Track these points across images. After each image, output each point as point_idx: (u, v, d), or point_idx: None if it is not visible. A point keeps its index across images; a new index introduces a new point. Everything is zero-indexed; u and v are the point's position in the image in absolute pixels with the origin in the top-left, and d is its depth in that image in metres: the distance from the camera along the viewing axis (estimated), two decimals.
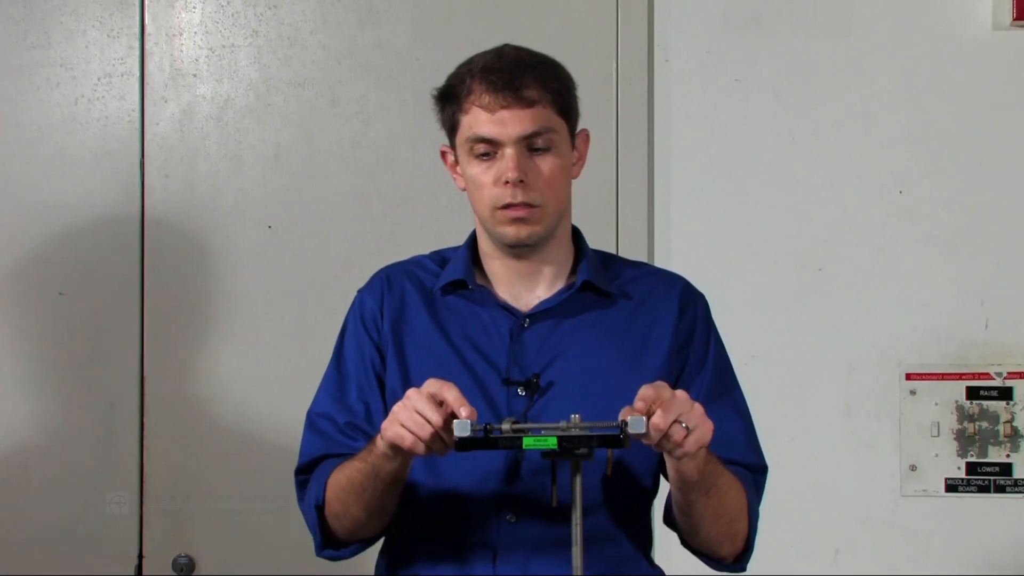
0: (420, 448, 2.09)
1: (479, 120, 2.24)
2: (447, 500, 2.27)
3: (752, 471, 2.33)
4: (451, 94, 2.28)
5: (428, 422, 2.08)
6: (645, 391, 2.06)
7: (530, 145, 2.24)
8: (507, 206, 2.24)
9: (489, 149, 2.25)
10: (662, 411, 2.04)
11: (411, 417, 2.09)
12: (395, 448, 2.12)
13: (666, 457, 2.14)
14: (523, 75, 2.24)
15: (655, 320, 2.33)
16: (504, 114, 2.23)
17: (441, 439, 2.09)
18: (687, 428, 2.05)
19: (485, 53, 2.30)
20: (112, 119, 3.45)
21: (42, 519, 3.40)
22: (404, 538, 2.33)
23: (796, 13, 3.40)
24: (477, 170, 2.26)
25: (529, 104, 2.23)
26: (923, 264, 3.37)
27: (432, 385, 2.11)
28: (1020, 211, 3.36)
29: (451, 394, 2.09)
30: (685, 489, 2.19)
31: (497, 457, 2.25)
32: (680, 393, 2.07)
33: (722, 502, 2.22)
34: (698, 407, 2.08)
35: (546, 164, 2.25)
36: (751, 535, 2.30)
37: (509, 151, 2.23)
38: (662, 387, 2.07)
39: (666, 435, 2.05)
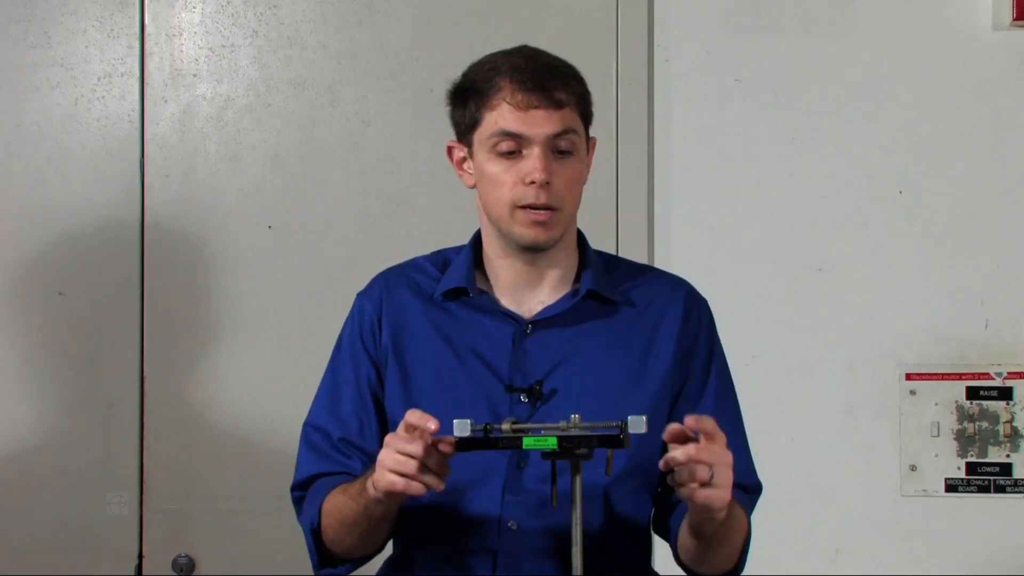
0: (415, 488, 2.08)
1: (508, 117, 2.22)
2: (449, 505, 2.26)
3: (748, 491, 2.33)
4: (475, 90, 2.26)
5: (411, 456, 2.07)
6: (702, 423, 2.05)
7: (555, 147, 2.23)
8: (528, 207, 2.23)
9: (514, 147, 2.23)
10: (705, 444, 2.03)
11: (393, 458, 2.08)
12: (390, 494, 2.12)
13: (689, 513, 2.13)
14: (552, 77, 2.24)
15: (659, 327, 2.32)
16: (536, 113, 2.22)
17: (431, 471, 2.08)
18: (712, 479, 2.04)
19: (507, 53, 2.28)
20: (112, 119, 3.45)
21: (42, 519, 3.40)
22: (406, 542, 2.33)
23: (796, 13, 3.39)
24: (498, 168, 2.25)
25: (559, 106, 2.23)
26: (923, 264, 3.37)
27: (404, 420, 2.10)
28: (1020, 211, 3.36)
29: (412, 417, 2.08)
30: (703, 542, 2.19)
31: (500, 463, 2.25)
32: (722, 441, 2.05)
33: (731, 546, 2.23)
34: (729, 459, 2.05)
35: (568, 168, 2.25)
36: (745, 551, 2.30)
37: (537, 151, 2.22)
38: (711, 421, 2.05)
39: (689, 468, 2.03)
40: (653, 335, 2.32)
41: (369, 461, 2.27)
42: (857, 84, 3.38)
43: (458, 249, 2.39)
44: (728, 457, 2.05)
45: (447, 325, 2.32)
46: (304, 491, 2.35)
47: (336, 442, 2.33)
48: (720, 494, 2.05)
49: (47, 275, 3.42)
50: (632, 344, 2.31)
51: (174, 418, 3.41)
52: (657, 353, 2.31)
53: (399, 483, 2.08)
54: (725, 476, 2.05)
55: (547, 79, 2.23)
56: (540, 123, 2.22)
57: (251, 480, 3.40)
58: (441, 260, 2.39)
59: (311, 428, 2.36)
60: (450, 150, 2.34)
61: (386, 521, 2.23)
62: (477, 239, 2.37)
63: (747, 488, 2.32)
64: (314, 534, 2.29)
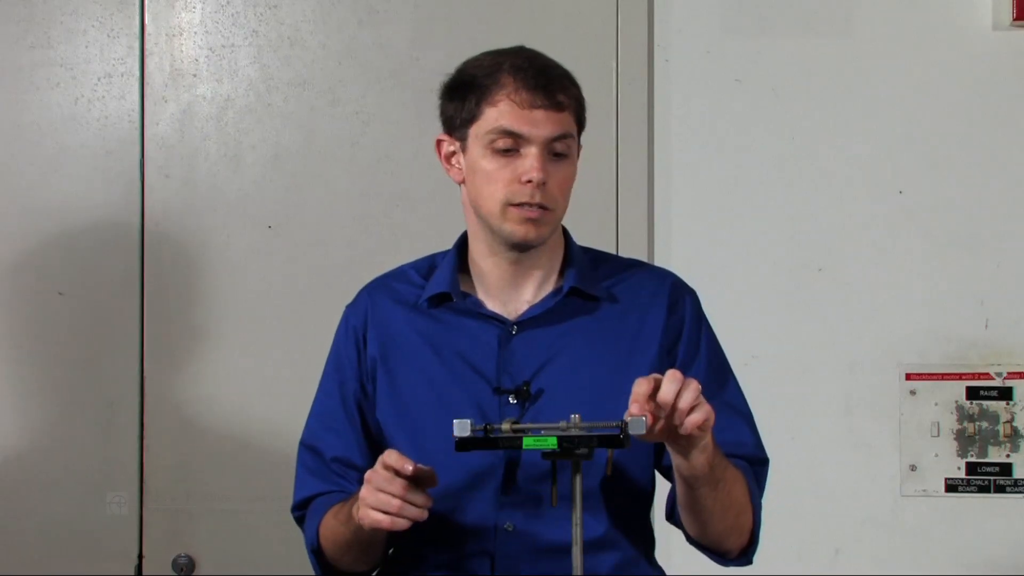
0: (400, 523, 2.11)
1: (509, 114, 2.22)
2: (445, 509, 2.26)
3: (753, 463, 2.32)
4: (476, 84, 2.25)
5: (392, 495, 2.10)
6: (637, 388, 2.05)
7: (552, 149, 2.23)
8: (521, 204, 2.23)
9: (512, 145, 2.22)
10: (669, 387, 2.03)
11: (375, 497, 2.11)
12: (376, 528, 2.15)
13: (674, 454, 2.13)
14: (555, 79, 2.24)
15: (644, 321, 2.32)
16: (538, 114, 2.21)
17: (413, 505, 2.11)
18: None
19: (504, 53, 2.28)
20: (112, 119, 3.45)
21: (42, 519, 3.41)
22: (403, 545, 2.33)
23: (796, 13, 3.40)
24: (493, 165, 2.24)
25: (560, 108, 2.23)
26: (923, 264, 3.37)
27: (382, 460, 2.12)
28: (1020, 211, 3.36)
29: (391, 458, 2.11)
30: (695, 484, 2.17)
31: (494, 466, 2.25)
32: (670, 376, 2.05)
33: (729, 495, 2.21)
34: (694, 382, 2.06)
35: (563, 170, 2.25)
36: (756, 528, 2.29)
37: (535, 151, 2.22)
38: (652, 379, 2.05)
39: (684, 414, 2.03)
40: (639, 330, 2.31)
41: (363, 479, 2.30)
42: (857, 84, 3.38)
43: (445, 253, 2.38)
44: (692, 381, 2.05)
45: (433, 331, 2.32)
46: (303, 511, 2.38)
47: (329, 462, 2.35)
48: (704, 412, 2.05)
49: (47, 275, 3.42)
50: (618, 340, 2.30)
51: (174, 418, 3.41)
52: (643, 347, 2.30)
53: (384, 521, 2.11)
54: (699, 398, 2.05)
55: (550, 80, 2.23)
56: (541, 124, 2.22)
57: (251, 480, 3.40)
58: (428, 266, 2.39)
59: (304, 448, 2.39)
60: (439, 143, 2.33)
61: (378, 541, 2.26)
62: (462, 242, 2.36)
63: (752, 461, 2.32)
64: (315, 554, 2.32)
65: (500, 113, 2.22)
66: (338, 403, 2.36)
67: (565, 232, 2.37)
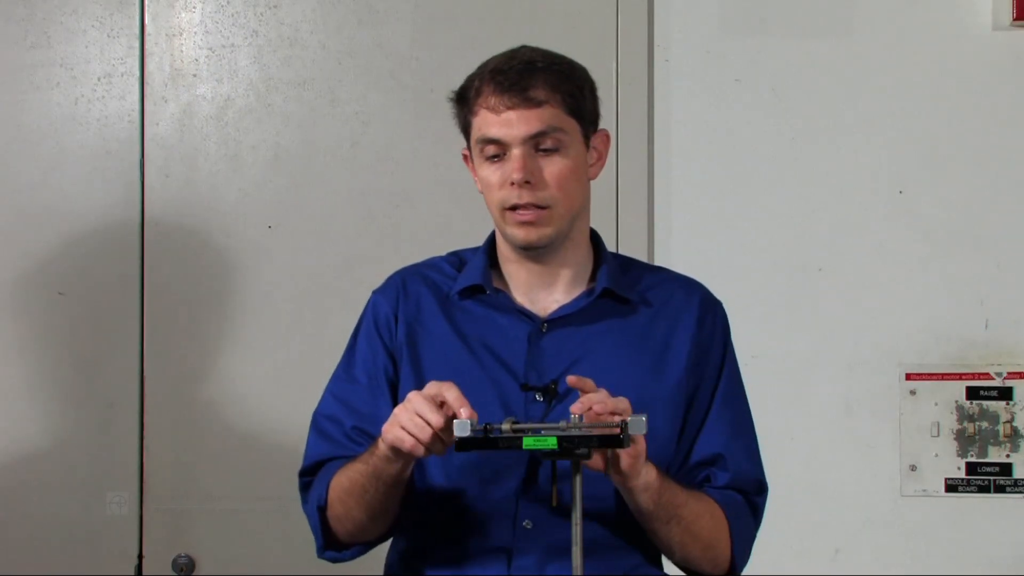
0: (420, 450, 2.09)
1: (486, 122, 2.23)
2: (463, 505, 2.26)
3: (749, 494, 2.32)
4: (463, 96, 2.27)
5: (428, 424, 2.08)
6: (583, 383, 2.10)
7: (537, 145, 2.23)
8: (515, 207, 2.23)
9: (498, 151, 2.23)
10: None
11: (411, 419, 2.09)
12: (396, 451, 2.12)
13: (619, 487, 2.15)
14: (531, 76, 2.22)
15: (675, 329, 2.32)
16: (510, 115, 2.21)
17: (440, 440, 2.09)
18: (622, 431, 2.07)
19: (502, 55, 2.28)
20: (112, 119, 3.45)
21: (42, 519, 3.41)
22: (417, 539, 2.32)
23: (796, 13, 3.40)
24: (487, 171, 2.25)
25: (536, 104, 2.22)
26: (923, 264, 3.37)
27: (432, 387, 2.11)
28: (1020, 211, 3.36)
29: (451, 394, 2.09)
30: (643, 519, 2.20)
31: (516, 462, 2.24)
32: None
33: (689, 530, 2.22)
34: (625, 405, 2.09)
35: (554, 165, 2.24)
36: (737, 558, 2.29)
37: (515, 152, 2.22)
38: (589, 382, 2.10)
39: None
40: (668, 336, 2.31)
41: None
42: (857, 84, 3.38)
43: (474, 250, 2.39)
44: (624, 403, 2.08)
45: (463, 322, 2.32)
46: (312, 476, 2.34)
47: (348, 430, 2.32)
48: (635, 448, 2.09)
49: (47, 275, 3.42)
50: (647, 344, 2.31)
51: (174, 418, 3.41)
52: (672, 354, 2.30)
53: (407, 442, 2.09)
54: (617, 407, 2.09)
55: (523, 77, 2.22)
56: (515, 124, 2.21)
57: (251, 480, 3.40)
58: (457, 260, 2.39)
59: (322, 417, 2.36)
60: (465, 158, 2.34)
61: (394, 491, 2.21)
62: (492, 238, 2.37)
63: (746, 490, 2.32)
64: (320, 512, 2.28)
65: (480, 122, 2.24)
66: (367, 377, 2.33)
67: (596, 236, 2.37)
